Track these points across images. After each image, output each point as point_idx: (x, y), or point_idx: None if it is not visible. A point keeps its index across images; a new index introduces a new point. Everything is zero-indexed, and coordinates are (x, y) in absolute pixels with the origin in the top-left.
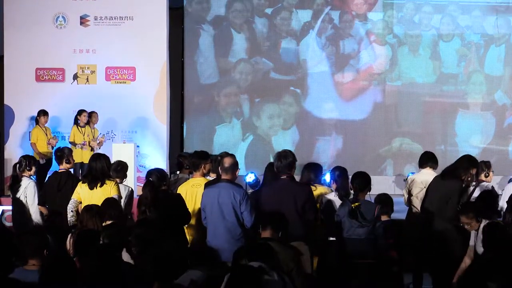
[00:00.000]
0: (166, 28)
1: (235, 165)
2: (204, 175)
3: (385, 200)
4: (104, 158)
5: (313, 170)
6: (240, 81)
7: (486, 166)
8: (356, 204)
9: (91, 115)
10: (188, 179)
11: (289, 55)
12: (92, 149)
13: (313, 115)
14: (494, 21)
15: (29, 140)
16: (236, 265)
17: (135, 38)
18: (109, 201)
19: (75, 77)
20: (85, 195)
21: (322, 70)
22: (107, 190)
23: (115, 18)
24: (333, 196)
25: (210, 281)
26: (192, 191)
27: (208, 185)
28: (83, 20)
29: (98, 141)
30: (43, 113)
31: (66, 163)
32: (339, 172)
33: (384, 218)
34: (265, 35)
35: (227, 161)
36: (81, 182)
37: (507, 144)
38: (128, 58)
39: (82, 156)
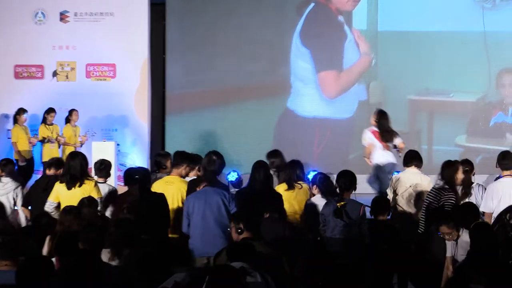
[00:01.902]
0: (148, 24)
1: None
2: (182, 175)
3: (380, 203)
4: (81, 156)
5: (301, 167)
6: (223, 79)
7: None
8: (342, 203)
9: (71, 113)
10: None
11: (272, 52)
12: (59, 146)
13: (296, 113)
14: (481, 17)
15: (8, 138)
16: (217, 266)
17: (116, 34)
18: (86, 201)
19: (55, 74)
20: (63, 196)
21: (306, 67)
22: (87, 190)
23: (95, 14)
24: (318, 199)
25: (193, 283)
26: (165, 188)
27: (192, 183)
28: (62, 16)
29: (80, 139)
30: (22, 111)
31: (55, 169)
32: (322, 177)
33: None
34: (249, 31)
35: None
36: (58, 182)
37: (493, 143)
38: (108, 54)
39: (51, 154)
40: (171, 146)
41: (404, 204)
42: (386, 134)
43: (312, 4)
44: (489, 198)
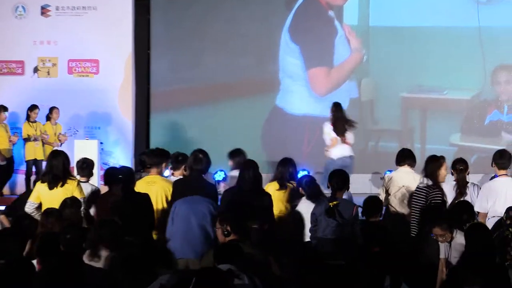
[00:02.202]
0: (132, 18)
1: None
2: (160, 173)
3: (372, 204)
4: (63, 155)
5: (293, 165)
6: (210, 75)
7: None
8: (334, 202)
9: (52, 111)
10: None
11: (260, 48)
12: (43, 144)
13: (285, 111)
14: (476, 12)
15: None
16: (203, 268)
17: (99, 29)
18: (68, 202)
19: (36, 70)
20: (45, 196)
21: (295, 64)
22: (69, 190)
23: (77, 8)
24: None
25: (179, 285)
26: (147, 188)
27: (178, 184)
28: (44, 10)
29: (60, 138)
30: (3, 108)
31: None
32: (308, 180)
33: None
34: (237, 26)
35: None
36: (40, 181)
37: (489, 142)
38: (91, 50)
39: (35, 152)
40: (156, 144)
41: (397, 204)
42: (339, 126)
43: None
44: (484, 198)
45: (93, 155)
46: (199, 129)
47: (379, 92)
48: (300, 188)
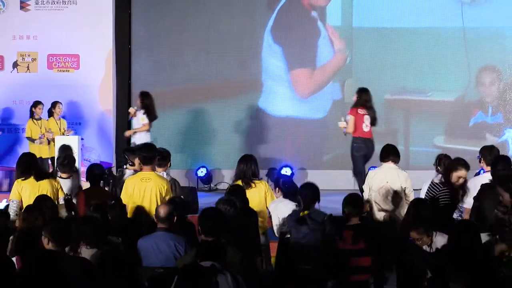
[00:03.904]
0: (112, 12)
1: (171, 214)
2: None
3: (353, 202)
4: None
5: (255, 162)
6: (191, 75)
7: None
8: (305, 212)
9: (55, 106)
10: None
11: (242, 48)
12: (48, 142)
13: (268, 113)
14: (460, 13)
15: None
16: (186, 265)
17: (79, 23)
18: (43, 198)
19: (15, 65)
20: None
21: (277, 65)
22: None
23: (57, 3)
24: (280, 202)
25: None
26: (141, 185)
27: None
28: (23, 4)
29: (67, 134)
30: (34, 105)
31: None
32: (285, 180)
33: (354, 221)
34: (218, 26)
35: (162, 211)
36: (21, 179)
37: (473, 144)
38: (71, 45)
39: (40, 150)
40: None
41: (381, 200)
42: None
43: (283, 0)
44: (469, 194)
45: (74, 151)
46: (180, 128)
47: None
48: (277, 189)
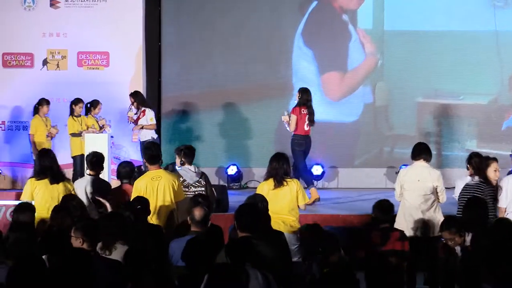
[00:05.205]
0: (142, 9)
1: (206, 218)
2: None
3: (381, 207)
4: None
5: (287, 161)
6: (221, 79)
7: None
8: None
9: (97, 106)
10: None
11: (273, 52)
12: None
13: None
14: (492, 16)
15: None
16: (217, 264)
17: (109, 20)
18: (70, 197)
19: (45, 62)
20: (39, 194)
21: (308, 68)
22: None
23: (87, 0)
24: None
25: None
26: (153, 184)
27: None
28: (53, 2)
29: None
30: (46, 102)
31: None
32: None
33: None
34: (248, 30)
35: (197, 214)
36: (34, 179)
37: (505, 148)
38: (101, 42)
39: (81, 148)
40: (166, 137)
41: (413, 199)
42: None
43: (314, 3)
44: (503, 192)
45: (104, 149)
46: (211, 127)
47: (394, 97)
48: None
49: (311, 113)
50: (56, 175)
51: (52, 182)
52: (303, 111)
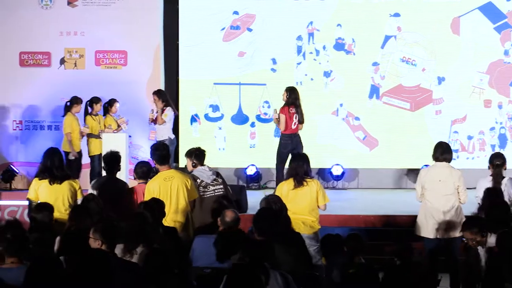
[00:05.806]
0: (160, 8)
1: (236, 222)
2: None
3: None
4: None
5: (308, 161)
6: (241, 70)
7: None
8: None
9: (113, 104)
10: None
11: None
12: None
13: None
14: None
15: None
16: (235, 265)
17: (127, 19)
18: (90, 197)
19: (62, 61)
20: (43, 193)
21: None
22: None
23: None
24: None
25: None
26: (166, 185)
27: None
28: (70, 0)
29: (120, 123)
30: (80, 101)
31: None
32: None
33: None
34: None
35: (229, 216)
36: (37, 179)
37: None
38: (119, 41)
39: (100, 147)
40: (185, 136)
41: (435, 199)
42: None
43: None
44: None
45: (122, 149)
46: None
47: None
48: None
49: (299, 112)
50: (55, 175)
51: (52, 182)
52: (291, 110)
